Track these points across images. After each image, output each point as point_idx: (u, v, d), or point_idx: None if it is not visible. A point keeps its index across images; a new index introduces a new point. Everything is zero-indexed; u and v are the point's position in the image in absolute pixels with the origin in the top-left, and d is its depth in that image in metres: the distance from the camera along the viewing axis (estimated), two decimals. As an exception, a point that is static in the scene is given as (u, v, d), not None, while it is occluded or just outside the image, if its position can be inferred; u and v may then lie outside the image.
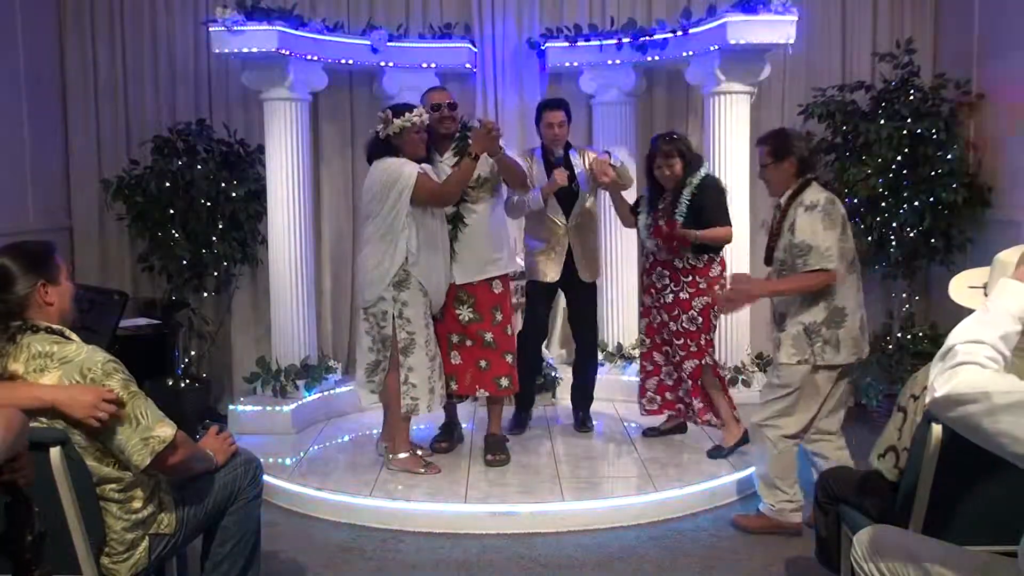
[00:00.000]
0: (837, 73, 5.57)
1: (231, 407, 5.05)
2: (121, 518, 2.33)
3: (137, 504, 2.36)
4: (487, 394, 4.38)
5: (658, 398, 4.55)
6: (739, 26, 4.57)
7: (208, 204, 5.21)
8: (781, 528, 3.66)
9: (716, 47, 4.72)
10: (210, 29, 4.76)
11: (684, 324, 4.29)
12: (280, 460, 4.44)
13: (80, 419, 2.19)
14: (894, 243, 5.18)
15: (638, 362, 4.72)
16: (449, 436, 4.58)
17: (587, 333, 4.82)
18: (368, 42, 5.15)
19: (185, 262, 5.23)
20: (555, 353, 5.66)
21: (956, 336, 1.59)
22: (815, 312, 3.44)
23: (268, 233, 5.15)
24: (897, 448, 2.41)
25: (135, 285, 5.64)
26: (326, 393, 5.23)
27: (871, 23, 5.61)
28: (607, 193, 4.66)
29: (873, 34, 5.61)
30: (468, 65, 5.41)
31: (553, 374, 5.36)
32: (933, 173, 5.05)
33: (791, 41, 4.64)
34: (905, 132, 5.00)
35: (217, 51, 4.78)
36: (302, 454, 4.58)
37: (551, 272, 4.59)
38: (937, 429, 2.14)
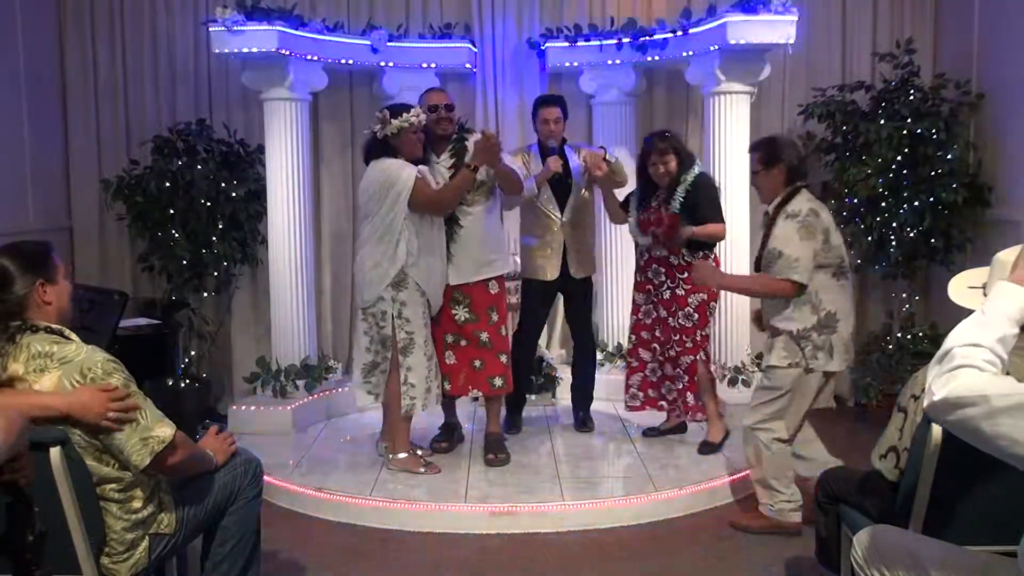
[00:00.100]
0: (837, 73, 5.57)
1: (231, 407, 5.05)
2: (121, 518, 2.33)
3: (137, 504, 2.36)
4: (480, 394, 4.39)
5: (640, 395, 4.58)
6: (739, 26, 4.57)
7: (208, 204, 5.21)
8: (781, 528, 3.66)
9: (716, 47, 4.72)
10: (210, 29, 4.77)
11: (681, 320, 4.31)
12: (280, 460, 4.44)
13: (95, 423, 2.20)
14: (894, 243, 5.18)
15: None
16: (449, 436, 4.58)
17: (584, 332, 4.82)
18: (368, 42, 5.15)
19: (185, 262, 5.23)
20: (555, 353, 5.66)
21: (953, 339, 1.59)
22: (803, 318, 3.47)
23: (268, 233, 5.15)
24: (898, 448, 2.41)
25: (135, 285, 5.65)
26: (326, 393, 5.23)
27: (871, 23, 5.61)
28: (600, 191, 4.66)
29: (873, 34, 5.61)
30: (468, 65, 5.41)
31: (553, 374, 5.37)
32: (933, 173, 5.05)
33: (791, 41, 4.64)
34: (905, 132, 5.00)
35: (217, 51, 4.78)
36: (302, 454, 4.58)
37: (550, 269, 4.59)
38: (937, 429, 2.14)
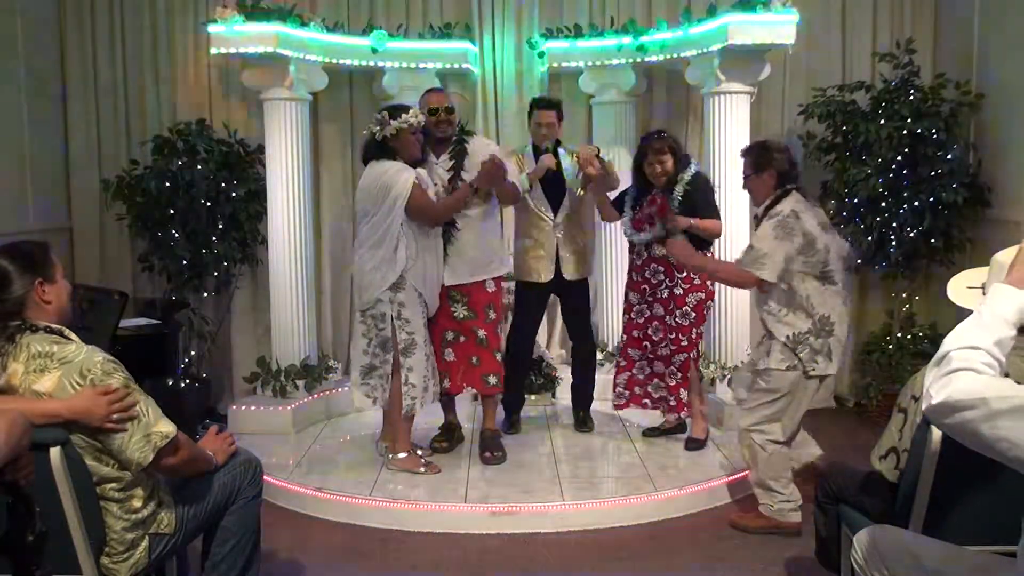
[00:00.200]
0: (837, 73, 5.56)
1: (231, 407, 5.05)
2: (121, 518, 2.33)
3: (137, 503, 2.36)
4: (475, 391, 4.40)
5: (626, 393, 4.60)
6: (739, 26, 4.56)
7: (208, 204, 5.21)
8: (781, 528, 3.66)
9: (716, 47, 4.72)
10: (210, 29, 4.76)
11: (678, 319, 4.33)
12: (280, 460, 4.44)
13: (100, 426, 2.20)
14: (894, 243, 5.18)
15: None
16: (449, 436, 4.58)
17: (582, 333, 4.83)
18: (368, 42, 5.15)
19: (185, 262, 5.23)
20: (555, 353, 5.66)
21: (951, 342, 1.59)
22: (797, 323, 3.49)
23: (268, 233, 5.15)
24: (898, 449, 2.41)
25: (135, 285, 5.64)
26: (326, 393, 5.23)
27: (871, 23, 5.60)
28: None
29: (873, 34, 5.60)
30: (468, 65, 5.41)
31: (553, 374, 5.37)
32: (933, 173, 5.04)
33: (791, 41, 4.64)
34: (905, 132, 5.00)
35: (217, 51, 4.77)
36: (302, 454, 4.58)
37: (544, 271, 4.59)
38: (937, 430, 2.14)
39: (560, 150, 4.62)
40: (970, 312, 1.66)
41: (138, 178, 5.29)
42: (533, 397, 5.34)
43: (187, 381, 5.13)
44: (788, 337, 3.50)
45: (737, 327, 4.98)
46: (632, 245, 4.52)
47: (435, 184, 4.19)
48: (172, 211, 5.18)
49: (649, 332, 4.47)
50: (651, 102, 5.67)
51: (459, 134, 4.29)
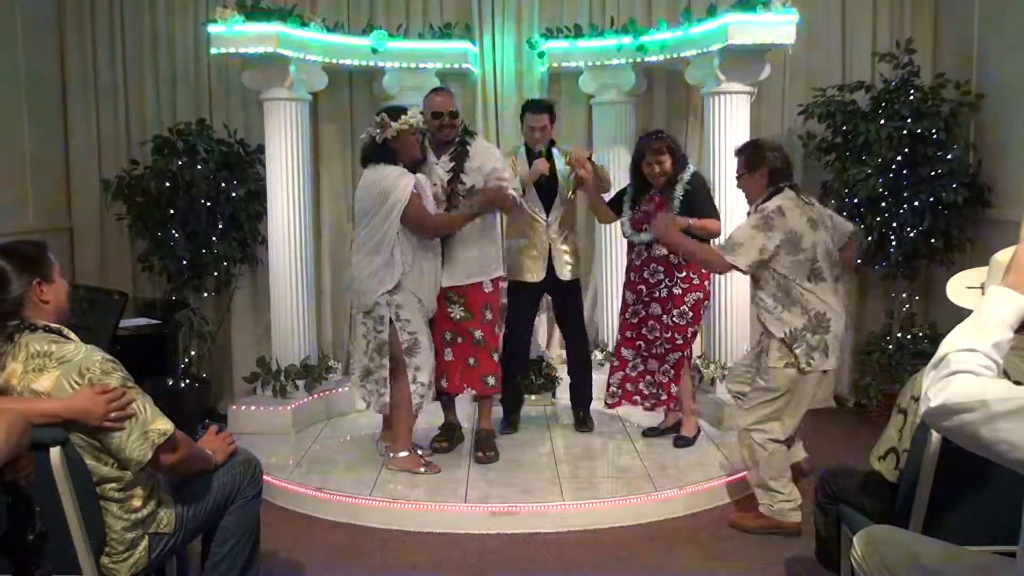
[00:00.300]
0: (837, 73, 5.56)
1: (231, 407, 5.05)
2: (121, 518, 2.33)
3: (137, 503, 2.36)
4: (474, 392, 4.41)
5: (619, 392, 4.62)
6: (739, 26, 4.56)
7: (208, 204, 5.21)
8: (781, 528, 3.66)
9: (716, 47, 4.72)
10: (210, 29, 4.76)
11: (675, 318, 4.35)
12: (280, 460, 4.44)
13: (99, 425, 2.21)
14: (894, 243, 5.18)
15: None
16: (449, 436, 4.58)
17: (575, 334, 4.85)
18: (368, 42, 5.15)
19: (185, 262, 5.23)
20: (555, 353, 5.66)
21: (949, 344, 1.59)
22: (792, 320, 3.51)
23: (268, 233, 5.15)
24: (897, 450, 2.41)
25: (135, 285, 5.65)
26: (326, 393, 5.23)
27: (871, 23, 5.60)
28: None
29: (873, 34, 5.60)
30: (468, 65, 5.41)
31: (553, 374, 5.37)
32: (933, 173, 5.04)
33: (791, 41, 4.64)
34: (905, 132, 5.00)
35: (217, 51, 4.77)
36: (302, 454, 4.58)
37: (535, 271, 4.61)
38: (937, 430, 2.14)
39: (554, 151, 4.63)
40: (970, 312, 1.66)
41: (138, 178, 5.29)
42: (533, 397, 5.35)
43: (187, 381, 5.13)
44: (785, 334, 3.51)
45: (737, 327, 4.98)
46: (631, 245, 4.52)
47: (434, 184, 4.19)
48: (172, 211, 5.18)
49: (644, 331, 4.48)
50: (651, 102, 5.67)
51: (462, 135, 4.29)
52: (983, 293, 2.03)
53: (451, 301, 4.27)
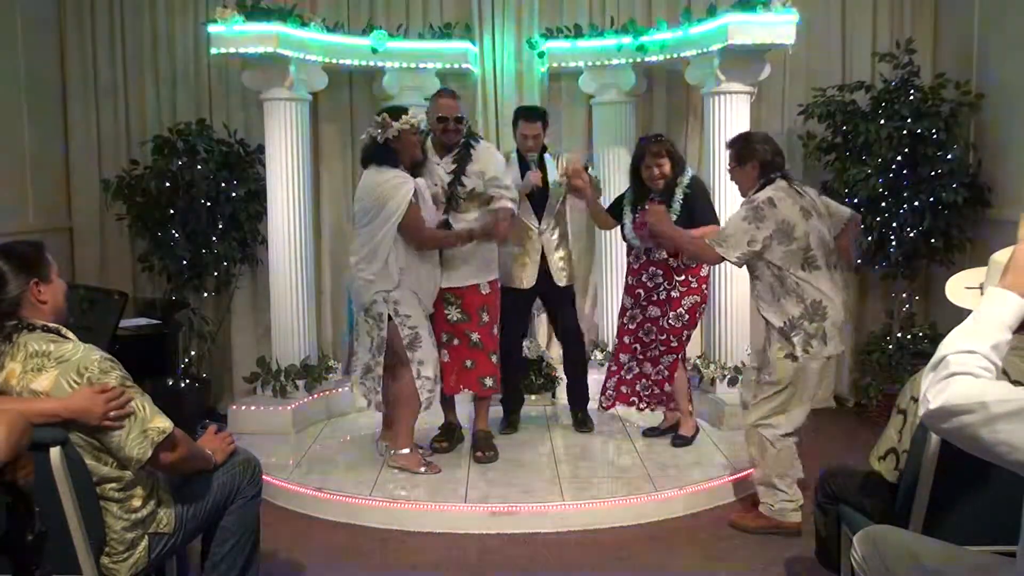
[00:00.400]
0: (837, 73, 5.56)
1: (231, 407, 5.05)
2: (121, 518, 2.33)
3: (137, 503, 2.36)
4: (472, 393, 4.41)
5: (614, 394, 4.64)
6: (739, 26, 4.56)
7: (208, 204, 5.21)
8: (781, 528, 3.66)
9: (716, 47, 4.72)
10: (210, 29, 4.76)
11: (671, 321, 4.36)
12: (280, 460, 4.44)
13: (99, 425, 2.21)
14: (894, 243, 5.18)
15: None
16: (449, 436, 4.58)
17: (570, 336, 4.86)
18: (368, 42, 5.15)
19: (185, 262, 5.23)
20: (555, 353, 5.65)
21: (947, 346, 1.58)
22: (789, 309, 3.52)
23: (268, 233, 5.15)
24: (897, 451, 2.41)
25: (135, 285, 5.64)
26: (326, 393, 5.23)
27: (871, 23, 5.60)
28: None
29: (873, 34, 5.60)
30: (468, 65, 5.41)
31: (553, 374, 5.37)
32: (933, 173, 5.04)
33: (791, 41, 4.64)
34: (905, 132, 5.00)
35: (217, 51, 4.77)
36: (302, 454, 4.58)
37: (526, 278, 4.63)
38: (937, 429, 2.14)
39: (546, 155, 4.64)
40: (969, 312, 1.65)
41: (138, 178, 5.29)
42: (533, 397, 5.35)
43: (187, 381, 5.13)
44: (784, 323, 3.52)
45: (737, 327, 4.98)
46: (630, 248, 4.53)
47: (435, 185, 4.19)
48: (172, 211, 5.18)
49: (640, 335, 4.50)
50: (651, 102, 5.66)
51: (466, 137, 4.28)
52: (982, 293, 2.03)
53: (448, 303, 4.28)
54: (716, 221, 4.30)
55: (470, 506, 3.87)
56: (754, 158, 3.62)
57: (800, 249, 3.48)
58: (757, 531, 3.71)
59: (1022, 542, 1.70)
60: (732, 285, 4.86)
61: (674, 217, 4.20)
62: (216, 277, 5.41)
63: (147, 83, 5.61)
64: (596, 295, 5.72)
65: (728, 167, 3.79)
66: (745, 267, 3.62)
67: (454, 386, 4.35)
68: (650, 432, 4.71)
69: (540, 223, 4.61)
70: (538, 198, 4.58)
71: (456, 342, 4.31)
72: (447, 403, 4.57)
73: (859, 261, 5.40)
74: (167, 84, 5.61)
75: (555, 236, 4.66)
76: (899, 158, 5.05)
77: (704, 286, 4.40)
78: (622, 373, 4.59)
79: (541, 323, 5.55)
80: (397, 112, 4.01)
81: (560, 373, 5.32)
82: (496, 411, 4.73)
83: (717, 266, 4.45)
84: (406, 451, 4.21)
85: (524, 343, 5.32)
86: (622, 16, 5.41)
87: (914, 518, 2.27)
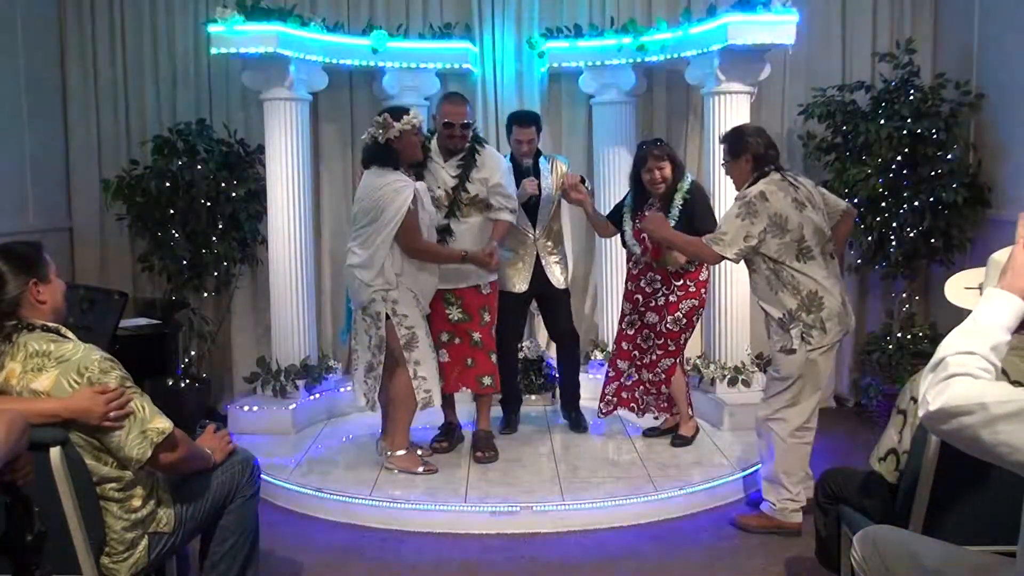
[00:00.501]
0: (837, 73, 5.56)
1: (231, 407, 5.05)
2: (121, 518, 2.33)
3: (136, 503, 2.36)
4: (471, 392, 4.42)
5: (614, 400, 4.64)
6: (739, 26, 4.56)
7: (208, 204, 5.21)
8: (782, 528, 3.67)
9: (716, 47, 4.72)
10: (210, 29, 4.76)
11: (668, 325, 4.36)
12: (280, 460, 4.44)
13: (99, 425, 2.21)
14: (894, 243, 5.18)
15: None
16: (449, 436, 4.58)
17: (565, 338, 4.86)
18: (368, 42, 5.14)
19: (185, 262, 5.23)
20: (555, 354, 5.65)
21: (946, 347, 1.58)
22: (786, 301, 3.53)
23: (268, 233, 5.15)
24: (898, 451, 2.41)
25: (135, 285, 5.64)
26: (326, 393, 5.23)
27: (871, 23, 5.60)
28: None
29: (873, 34, 5.60)
30: (468, 65, 5.41)
31: (553, 374, 5.37)
32: (933, 173, 5.04)
33: (791, 41, 4.64)
34: (905, 132, 5.00)
35: (217, 51, 4.77)
36: (302, 454, 4.58)
37: (520, 282, 4.64)
38: (937, 429, 2.14)
39: (541, 159, 4.64)
40: (969, 312, 1.65)
41: (138, 178, 5.29)
42: (533, 397, 5.35)
43: (187, 381, 5.12)
44: (782, 315, 3.53)
45: (737, 327, 4.98)
46: (629, 255, 4.53)
47: (438, 188, 4.19)
48: (172, 211, 5.18)
49: (639, 341, 4.51)
50: (651, 102, 5.66)
51: (471, 142, 4.28)
52: (981, 294, 2.02)
53: (449, 303, 4.28)
54: (715, 226, 4.28)
55: (470, 506, 3.87)
56: (747, 151, 3.63)
57: (794, 241, 3.49)
58: (758, 530, 3.71)
59: (1022, 542, 1.70)
60: (732, 285, 4.87)
61: (673, 222, 4.20)
62: (216, 277, 5.41)
63: (147, 83, 5.61)
64: (596, 295, 5.72)
65: (722, 162, 3.81)
66: (743, 262, 3.62)
67: (453, 384, 4.36)
68: (650, 432, 4.71)
69: (535, 228, 4.62)
70: (532, 203, 4.58)
71: (457, 341, 4.32)
72: (447, 403, 4.56)
73: (859, 261, 5.40)
74: (167, 84, 5.61)
75: (550, 240, 4.68)
76: (899, 158, 5.05)
77: (703, 290, 4.40)
78: (622, 380, 4.60)
79: (541, 324, 5.54)
80: (398, 112, 4.00)
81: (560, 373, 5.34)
82: (496, 411, 4.73)
83: (717, 266, 4.46)
84: (401, 452, 4.21)
85: (524, 343, 5.34)
86: (622, 16, 5.41)
87: (914, 518, 2.27)
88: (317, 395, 5.17)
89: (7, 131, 5.07)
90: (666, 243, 3.90)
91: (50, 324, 2.32)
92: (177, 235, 5.19)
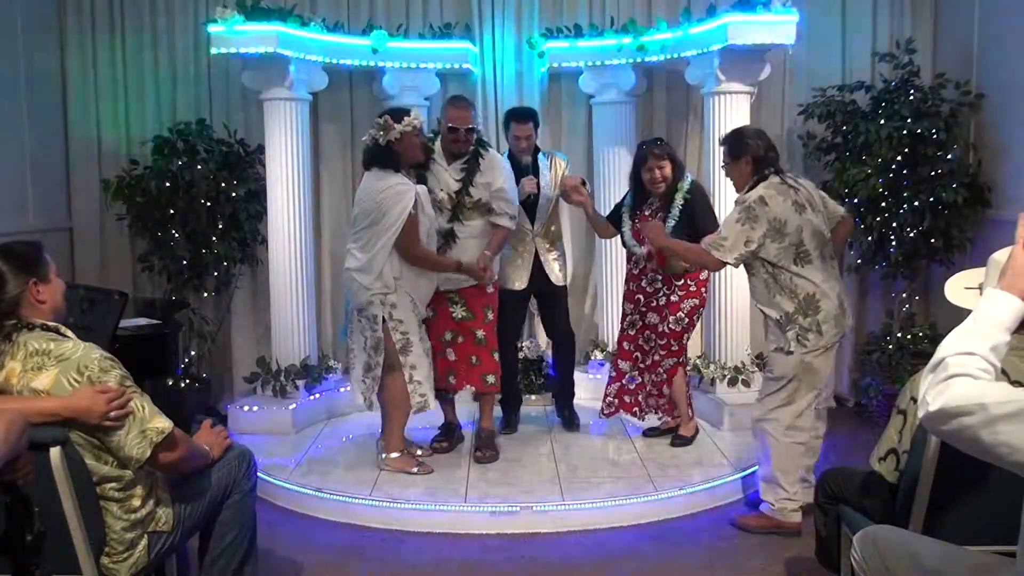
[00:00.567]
0: (837, 73, 5.56)
1: (231, 407, 5.05)
2: (121, 518, 2.33)
3: (136, 502, 2.36)
4: (474, 389, 4.42)
5: (615, 402, 4.65)
6: (739, 26, 4.56)
7: (208, 204, 5.21)
8: (781, 528, 3.67)
9: (716, 47, 4.71)
10: (210, 29, 4.76)
11: (670, 325, 4.36)
12: (280, 460, 4.44)
13: (99, 424, 2.21)
14: (894, 243, 5.18)
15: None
16: (449, 436, 4.58)
17: (561, 337, 4.87)
18: (368, 42, 5.14)
19: (185, 262, 5.23)
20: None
21: (946, 348, 1.58)
22: (783, 304, 3.53)
23: (268, 233, 5.15)
24: (898, 451, 2.41)
25: (135, 285, 5.64)
26: (326, 393, 5.23)
27: (871, 23, 5.60)
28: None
29: (873, 34, 5.60)
30: (468, 65, 5.41)
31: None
32: (933, 173, 5.04)
33: (791, 41, 4.64)
34: (905, 132, 5.00)
35: (217, 51, 4.77)
36: (302, 454, 4.58)
37: (518, 280, 4.65)
38: (937, 429, 2.14)
39: (540, 156, 4.65)
40: (969, 312, 1.65)
41: (138, 178, 5.29)
42: (533, 397, 5.35)
43: (187, 381, 5.13)
44: (780, 317, 3.54)
45: (737, 327, 4.98)
46: (630, 255, 4.53)
47: (440, 191, 4.19)
48: (172, 211, 5.18)
49: (640, 342, 4.51)
50: (651, 102, 5.66)
51: (475, 146, 4.27)
52: (981, 294, 2.02)
53: (452, 302, 4.28)
54: (716, 226, 4.27)
55: (470, 506, 3.87)
56: (747, 153, 3.63)
57: (792, 245, 3.49)
58: (758, 531, 3.71)
59: (1022, 542, 1.70)
60: (732, 286, 4.86)
61: (673, 222, 4.20)
62: (216, 277, 5.41)
63: (147, 83, 5.61)
64: (596, 295, 5.72)
65: (722, 164, 3.81)
66: (742, 265, 3.63)
67: (458, 383, 4.36)
68: (650, 432, 4.71)
69: (533, 225, 4.62)
70: (532, 201, 4.58)
71: (461, 339, 4.32)
72: (447, 403, 4.57)
73: (859, 261, 5.40)
74: (167, 84, 5.61)
75: (548, 237, 4.68)
76: (899, 158, 5.05)
77: (703, 289, 4.41)
78: (623, 382, 4.60)
79: (540, 324, 5.54)
80: (399, 114, 4.00)
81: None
82: (495, 411, 4.72)
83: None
84: (396, 455, 4.21)
85: (524, 343, 5.34)
86: (622, 16, 5.41)
87: (914, 518, 2.27)
88: (317, 395, 5.17)
89: (7, 131, 5.07)
90: (667, 251, 3.90)
91: (49, 323, 2.33)
92: (177, 235, 5.19)
